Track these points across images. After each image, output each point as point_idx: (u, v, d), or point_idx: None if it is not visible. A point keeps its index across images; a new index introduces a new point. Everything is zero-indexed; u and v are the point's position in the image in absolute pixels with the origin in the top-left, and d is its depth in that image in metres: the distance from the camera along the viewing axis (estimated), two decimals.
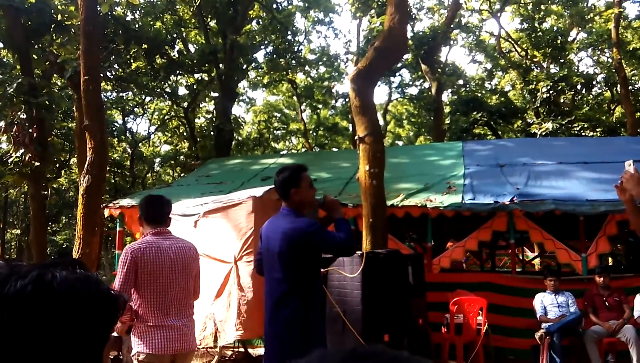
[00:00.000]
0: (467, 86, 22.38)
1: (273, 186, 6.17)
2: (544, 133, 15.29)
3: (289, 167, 3.17)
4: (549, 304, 5.81)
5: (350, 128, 25.19)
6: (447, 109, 20.89)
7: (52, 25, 11.51)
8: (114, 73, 16.11)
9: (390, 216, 6.74)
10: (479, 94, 20.46)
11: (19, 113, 10.23)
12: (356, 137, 6.76)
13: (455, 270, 8.76)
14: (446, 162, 8.74)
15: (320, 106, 27.33)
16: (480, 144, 10.94)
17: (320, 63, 23.81)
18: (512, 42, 22.29)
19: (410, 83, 23.36)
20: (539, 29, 19.63)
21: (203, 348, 5.69)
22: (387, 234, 6.47)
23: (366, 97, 6.62)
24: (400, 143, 30.14)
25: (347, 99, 24.39)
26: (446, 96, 21.92)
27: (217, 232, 5.70)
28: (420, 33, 18.00)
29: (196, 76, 19.29)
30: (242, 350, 6.56)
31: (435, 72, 18.18)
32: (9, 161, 10.36)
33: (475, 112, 17.32)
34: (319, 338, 2.93)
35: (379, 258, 4.13)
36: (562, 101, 17.04)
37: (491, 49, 23.47)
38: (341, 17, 59.30)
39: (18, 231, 27.04)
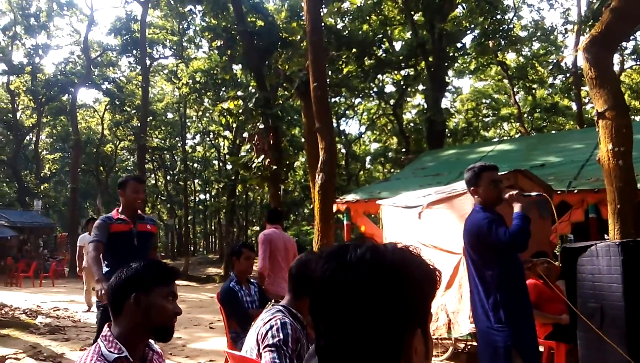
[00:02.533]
0: None
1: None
2: None
3: (473, 166, 3.34)
4: None
5: (575, 106, 22.56)
6: None
7: (279, 43, 13.03)
8: (328, 80, 17.40)
9: None
10: None
11: (258, 124, 11.83)
12: (593, 113, 5.99)
13: None
14: None
15: (535, 85, 25.12)
16: None
17: (533, 39, 21.89)
18: None
19: None
20: None
21: (436, 339, 5.70)
22: None
23: (604, 67, 5.82)
24: (638, 118, 25.79)
25: (567, 75, 21.94)
26: None
27: (442, 223, 5.63)
28: None
29: (402, 72, 19.56)
30: (474, 343, 6.40)
31: None
32: (252, 166, 12.04)
33: None
34: (519, 322, 3.09)
35: None
36: None
37: None
38: None
39: (257, 228, 31.17)
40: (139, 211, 4.01)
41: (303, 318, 2.21)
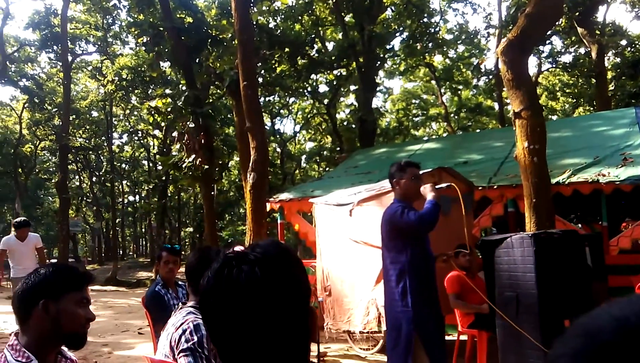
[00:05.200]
0: (633, 45, 19.74)
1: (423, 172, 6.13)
2: None
3: (399, 162, 3.70)
4: None
5: (497, 107, 23.80)
6: (609, 75, 18.63)
7: (209, 41, 12.77)
8: (261, 79, 17.29)
9: (555, 195, 6.22)
10: None
11: (188, 123, 11.54)
12: (511, 113, 6.35)
13: (636, 252, 7.80)
14: (618, 131, 7.79)
15: (460, 87, 26.28)
16: None
17: (458, 42, 22.89)
18: None
19: (563, 50, 21.27)
20: None
21: (367, 332, 5.83)
22: (554, 214, 5.98)
23: (520, 69, 6.18)
24: (554, 117, 27.61)
25: (490, 77, 23.09)
26: (607, 60, 19.56)
27: (372, 219, 5.74)
28: None
29: (335, 72, 19.80)
30: None
31: (594, 35, 16.29)
32: (183, 166, 11.74)
33: None
34: (423, 307, 3.39)
35: (553, 238, 3.83)
36: None
37: None
38: None
39: (191, 229, 30.44)
40: None
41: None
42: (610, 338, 0.44)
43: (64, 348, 1.81)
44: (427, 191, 3.49)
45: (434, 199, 3.43)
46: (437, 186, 3.70)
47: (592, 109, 21.34)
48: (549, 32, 16.72)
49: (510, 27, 13.63)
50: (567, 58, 21.67)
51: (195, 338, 2.02)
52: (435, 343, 3.43)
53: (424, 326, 3.39)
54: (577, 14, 15.91)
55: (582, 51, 19.84)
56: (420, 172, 5.86)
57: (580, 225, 11.21)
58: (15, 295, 1.72)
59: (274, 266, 0.87)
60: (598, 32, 17.04)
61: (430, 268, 3.60)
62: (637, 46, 19.81)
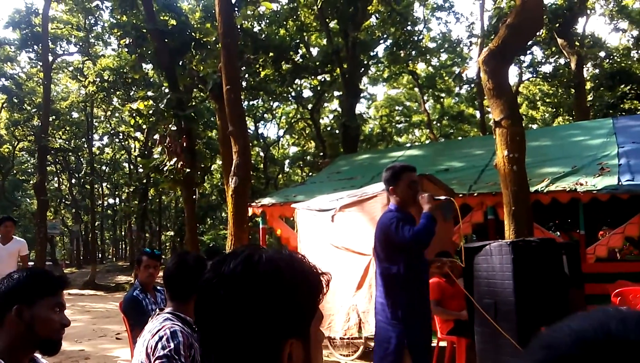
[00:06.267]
0: (611, 57, 20.21)
1: None
2: None
3: (394, 166, 3.46)
4: None
5: (478, 115, 24.09)
6: (587, 85, 19.03)
7: (192, 44, 12.71)
8: (245, 83, 17.25)
9: (534, 204, 6.31)
10: (625, 65, 18.35)
11: (170, 126, 11.45)
12: (491, 121, 6.44)
13: (612, 260, 7.96)
14: (595, 141, 7.96)
15: (443, 94, 26.56)
16: (635, 119, 9.73)
17: (441, 50, 23.15)
18: None
19: (544, 60, 21.66)
20: None
21: (348, 338, 5.83)
22: (532, 222, 6.07)
23: (500, 79, 6.27)
24: (535, 126, 28.05)
25: (472, 85, 23.39)
26: (586, 71, 19.98)
27: (354, 225, 5.78)
28: (554, 5, 16.61)
29: (319, 77, 19.86)
30: None
31: (574, 46, 16.63)
32: (164, 169, 11.63)
33: (622, 86, 15.59)
34: (414, 321, 3.28)
35: (531, 246, 3.88)
36: None
37: (636, 14, 20.83)
38: (462, 0, 56.86)
39: (171, 233, 30.09)
40: None
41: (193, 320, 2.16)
42: (568, 351, 0.46)
43: (38, 354, 1.77)
44: (424, 202, 3.30)
45: (430, 213, 3.24)
46: (435, 198, 3.51)
47: (571, 118, 21.74)
48: (529, 43, 17.02)
49: (492, 37, 13.84)
50: (547, 68, 22.08)
51: (172, 345, 1.99)
52: (423, 355, 3.38)
53: (414, 338, 3.31)
54: (557, 25, 16.24)
55: (562, 61, 20.23)
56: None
57: (558, 233, 11.38)
58: None
59: (266, 281, 0.84)
60: (577, 44, 17.41)
61: (424, 278, 3.46)
62: (616, 57, 20.27)
